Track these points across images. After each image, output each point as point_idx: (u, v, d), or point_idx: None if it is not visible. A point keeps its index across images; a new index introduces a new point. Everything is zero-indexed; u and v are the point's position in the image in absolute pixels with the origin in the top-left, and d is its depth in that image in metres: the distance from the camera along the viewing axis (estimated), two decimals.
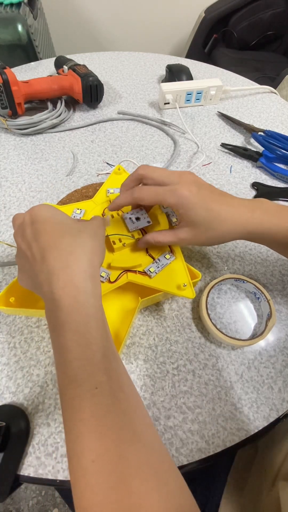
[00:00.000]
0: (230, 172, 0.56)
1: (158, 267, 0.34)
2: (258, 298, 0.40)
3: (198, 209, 0.30)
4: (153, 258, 0.35)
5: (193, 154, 0.59)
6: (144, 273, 0.34)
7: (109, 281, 0.33)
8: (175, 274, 0.34)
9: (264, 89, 0.74)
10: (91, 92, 0.63)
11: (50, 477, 0.29)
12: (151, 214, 0.37)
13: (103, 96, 0.66)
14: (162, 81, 0.74)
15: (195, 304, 0.40)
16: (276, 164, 0.56)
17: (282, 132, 0.62)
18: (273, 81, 1.17)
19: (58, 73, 0.68)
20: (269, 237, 0.32)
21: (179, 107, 0.66)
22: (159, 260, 0.35)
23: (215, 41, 1.45)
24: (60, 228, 0.27)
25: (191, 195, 0.30)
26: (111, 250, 0.35)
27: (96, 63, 0.80)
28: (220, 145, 0.60)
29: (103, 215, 0.39)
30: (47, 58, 0.85)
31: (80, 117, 0.66)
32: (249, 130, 0.63)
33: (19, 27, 1.09)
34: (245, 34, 1.43)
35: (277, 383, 0.35)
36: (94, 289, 0.25)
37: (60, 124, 0.63)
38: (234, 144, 0.59)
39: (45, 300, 0.25)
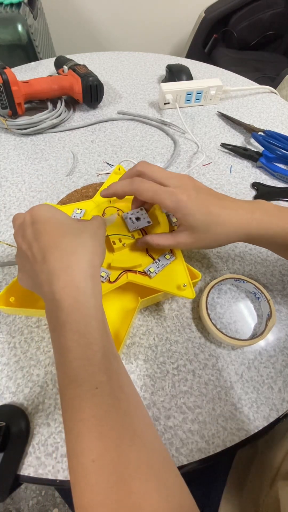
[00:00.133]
0: (230, 172, 0.56)
1: (158, 267, 0.34)
2: (258, 298, 0.40)
3: (196, 214, 0.30)
4: (153, 258, 0.35)
5: (193, 154, 0.59)
6: (144, 273, 0.34)
7: (109, 281, 0.33)
8: (175, 274, 0.34)
9: (264, 89, 0.74)
10: (91, 92, 0.63)
11: (50, 477, 0.29)
12: (151, 214, 0.37)
13: (103, 96, 0.66)
14: (162, 81, 0.74)
15: (195, 304, 0.40)
16: (276, 164, 0.56)
17: (282, 132, 0.62)
18: (273, 81, 1.17)
19: (58, 73, 0.68)
20: (269, 239, 0.32)
21: (179, 107, 0.66)
22: (159, 260, 0.35)
23: (215, 41, 1.45)
24: (61, 228, 0.27)
25: (189, 200, 0.30)
26: (111, 250, 0.35)
27: (96, 63, 0.80)
28: (220, 145, 0.60)
29: (103, 215, 0.39)
30: (47, 58, 0.85)
31: (80, 117, 0.66)
32: (249, 130, 0.63)
33: (19, 27, 1.09)
34: (245, 34, 1.43)
35: (277, 383, 0.35)
36: (94, 289, 0.25)
37: (60, 124, 0.63)
38: (234, 144, 0.59)
39: (46, 300, 0.25)
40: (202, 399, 0.34)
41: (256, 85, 0.75)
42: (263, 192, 0.53)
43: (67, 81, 0.63)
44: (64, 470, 0.30)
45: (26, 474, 0.29)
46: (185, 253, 0.44)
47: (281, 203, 0.52)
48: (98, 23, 1.68)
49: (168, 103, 0.66)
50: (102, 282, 0.33)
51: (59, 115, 0.63)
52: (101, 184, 0.52)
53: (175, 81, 0.69)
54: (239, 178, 0.55)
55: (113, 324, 0.35)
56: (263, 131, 0.61)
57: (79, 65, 0.66)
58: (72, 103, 0.67)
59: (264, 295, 0.38)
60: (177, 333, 0.38)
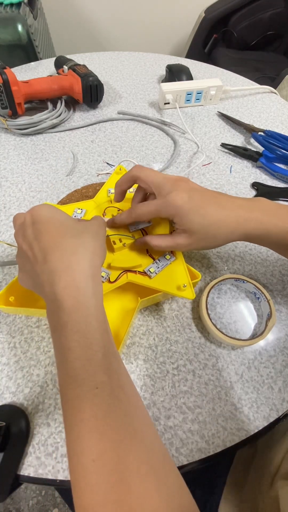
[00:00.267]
0: (230, 172, 0.56)
1: (158, 267, 0.34)
2: (258, 298, 0.40)
3: (192, 216, 0.30)
4: (153, 259, 0.35)
5: (193, 154, 0.59)
6: (144, 273, 0.34)
7: (109, 281, 0.33)
8: (175, 275, 0.34)
9: (264, 89, 0.74)
10: (91, 92, 0.63)
11: (50, 477, 0.29)
12: None
13: (103, 96, 0.66)
14: (162, 81, 0.74)
15: (195, 304, 0.40)
16: (276, 164, 0.56)
17: (282, 132, 0.62)
18: (273, 81, 1.17)
19: (58, 73, 0.68)
20: (268, 238, 0.32)
21: (179, 107, 0.66)
22: (159, 260, 0.35)
23: (215, 41, 1.45)
24: (62, 229, 0.27)
25: (184, 203, 0.30)
26: (111, 250, 0.35)
27: (96, 63, 0.80)
28: (220, 145, 0.60)
29: (103, 215, 0.39)
30: (47, 58, 0.85)
31: (80, 117, 0.66)
32: (249, 130, 0.63)
33: (19, 27, 1.09)
34: (245, 34, 1.43)
35: (277, 383, 0.35)
36: (95, 289, 0.25)
37: (60, 124, 0.63)
38: (234, 144, 0.59)
39: (47, 301, 0.25)
40: (202, 399, 0.34)
41: (256, 85, 0.75)
42: (263, 192, 0.53)
43: (67, 81, 0.63)
44: (64, 470, 0.30)
45: (26, 474, 0.29)
46: (185, 253, 0.44)
47: (281, 203, 0.52)
48: (98, 23, 1.68)
49: (168, 103, 0.66)
50: (102, 282, 0.33)
51: (59, 115, 0.63)
52: (101, 184, 0.52)
53: (175, 81, 0.69)
54: (239, 178, 0.55)
55: (113, 324, 0.35)
56: (263, 131, 0.61)
57: (79, 65, 0.66)
58: (72, 103, 0.67)
59: (264, 295, 0.38)
60: (177, 333, 0.38)
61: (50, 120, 0.61)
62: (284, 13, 1.39)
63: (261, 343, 0.37)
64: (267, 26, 1.42)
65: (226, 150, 0.60)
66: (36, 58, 1.18)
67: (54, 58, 0.73)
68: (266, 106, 0.70)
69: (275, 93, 0.74)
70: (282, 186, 0.54)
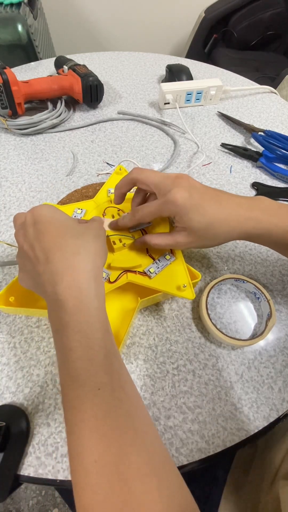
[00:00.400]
0: (230, 172, 0.56)
1: (158, 267, 0.34)
2: (258, 298, 0.40)
3: (192, 214, 0.30)
4: (153, 259, 0.35)
5: (193, 154, 0.59)
6: (144, 273, 0.34)
7: (109, 281, 0.33)
8: (175, 275, 0.34)
9: (264, 89, 0.74)
10: (91, 92, 0.63)
11: (50, 477, 0.29)
12: None
13: (103, 96, 0.66)
14: (162, 81, 0.74)
15: (195, 304, 0.40)
16: (276, 164, 0.56)
17: (282, 132, 0.62)
18: (273, 81, 1.17)
19: (58, 73, 0.68)
20: (268, 237, 0.32)
21: (179, 107, 0.66)
22: (159, 260, 0.35)
23: (215, 41, 1.45)
24: (63, 229, 0.27)
25: (184, 201, 0.29)
26: (111, 250, 0.35)
27: (96, 63, 0.80)
28: (220, 145, 0.60)
29: (103, 215, 0.39)
30: (47, 58, 0.85)
31: (80, 117, 0.66)
32: (249, 130, 0.63)
33: (19, 27, 1.09)
34: (245, 34, 1.43)
35: (277, 383, 0.35)
36: (97, 290, 0.25)
37: (60, 124, 0.63)
38: (234, 144, 0.59)
39: (48, 301, 0.25)
40: (202, 399, 0.34)
41: (256, 85, 0.75)
42: (263, 192, 0.53)
43: (67, 81, 0.63)
44: (64, 470, 0.30)
45: (26, 474, 0.29)
46: (185, 253, 0.44)
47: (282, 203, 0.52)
48: (98, 23, 1.68)
49: (168, 103, 0.66)
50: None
51: (59, 115, 0.63)
52: (101, 184, 0.52)
53: (175, 81, 0.69)
54: (239, 178, 0.55)
55: (113, 324, 0.35)
56: (263, 131, 0.61)
57: (79, 65, 0.66)
58: (72, 103, 0.67)
59: (264, 295, 0.38)
60: (177, 333, 0.38)
61: (50, 120, 0.61)
62: (284, 13, 1.39)
63: (261, 343, 0.37)
64: (267, 26, 1.42)
65: (226, 150, 0.60)
66: (36, 58, 1.18)
67: (54, 58, 0.73)
68: (266, 106, 0.70)
69: (275, 93, 0.74)
70: (282, 186, 0.54)
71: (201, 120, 0.66)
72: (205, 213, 0.30)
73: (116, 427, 0.22)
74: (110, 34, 1.74)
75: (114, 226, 0.36)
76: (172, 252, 0.36)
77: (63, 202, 0.49)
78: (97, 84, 0.63)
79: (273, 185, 0.54)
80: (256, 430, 0.32)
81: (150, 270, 0.34)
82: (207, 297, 0.38)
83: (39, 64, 0.79)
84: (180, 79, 0.70)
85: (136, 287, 0.35)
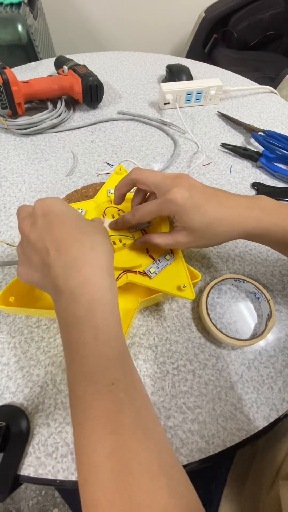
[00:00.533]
0: (230, 172, 0.56)
1: (158, 267, 0.34)
2: (258, 298, 0.40)
3: (191, 213, 0.30)
4: (153, 259, 0.35)
5: (193, 154, 0.59)
6: (144, 273, 0.34)
7: None
8: (175, 275, 0.34)
9: (264, 89, 0.74)
10: (91, 92, 0.63)
11: (50, 477, 0.29)
12: None
13: (103, 96, 0.66)
14: (162, 81, 0.74)
15: (195, 304, 0.40)
16: (276, 164, 0.56)
17: (282, 132, 0.62)
18: (273, 81, 1.17)
19: (58, 73, 0.68)
20: (268, 236, 0.32)
21: (179, 107, 0.66)
22: (159, 260, 0.35)
23: (215, 41, 1.45)
24: (78, 224, 0.26)
25: (184, 201, 0.29)
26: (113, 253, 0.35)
27: (96, 63, 0.80)
28: (220, 145, 0.60)
29: (103, 215, 0.39)
30: (47, 58, 0.85)
31: (80, 117, 0.66)
32: (249, 130, 0.63)
33: (19, 27, 1.09)
34: (245, 34, 1.43)
35: (277, 383, 0.35)
36: (112, 285, 0.25)
37: (60, 124, 0.63)
38: (234, 144, 0.59)
39: (58, 295, 0.24)
40: (202, 399, 0.34)
41: (256, 85, 0.75)
42: (263, 192, 0.53)
43: (67, 81, 0.63)
44: (64, 470, 0.30)
45: (26, 474, 0.29)
46: (185, 253, 0.44)
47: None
48: (98, 23, 1.68)
49: (168, 103, 0.66)
50: None
51: (59, 115, 0.63)
52: (101, 184, 0.52)
53: (175, 81, 0.69)
54: (239, 178, 0.55)
55: None
56: (263, 131, 0.61)
57: (79, 65, 0.66)
58: (72, 103, 0.67)
59: (264, 295, 0.38)
60: (177, 333, 0.38)
61: (50, 120, 0.61)
62: (284, 13, 1.39)
63: (261, 343, 0.37)
64: (267, 26, 1.42)
65: (226, 150, 0.60)
66: (36, 58, 1.18)
67: (54, 58, 0.73)
68: (266, 106, 0.70)
69: (275, 93, 0.74)
70: (282, 186, 0.54)
71: (201, 120, 0.66)
72: (205, 212, 0.30)
73: (128, 424, 0.22)
74: (110, 34, 1.74)
75: (114, 226, 0.36)
76: (172, 252, 0.36)
77: None
78: (97, 84, 0.63)
79: (273, 185, 0.54)
80: (256, 430, 0.32)
81: (150, 270, 0.34)
82: (207, 297, 0.38)
83: (39, 64, 0.79)
84: (180, 79, 0.70)
85: (136, 287, 0.35)
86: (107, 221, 0.37)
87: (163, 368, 0.35)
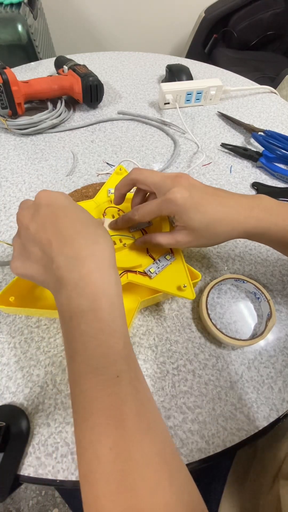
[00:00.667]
0: (230, 172, 0.56)
1: (158, 267, 0.34)
2: (258, 298, 0.40)
3: (192, 213, 0.30)
4: (154, 259, 0.35)
5: (193, 154, 0.59)
6: (144, 273, 0.34)
7: None
8: (175, 275, 0.34)
9: (264, 89, 0.74)
10: (91, 92, 0.63)
11: (50, 477, 0.29)
12: None
13: (103, 96, 0.66)
14: (162, 81, 0.74)
15: (195, 304, 0.40)
16: (276, 164, 0.56)
17: (282, 132, 0.62)
18: (273, 81, 1.17)
19: (58, 73, 0.68)
20: (268, 236, 0.32)
21: (179, 107, 0.66)
22: (159, 260, 0.35)
23: (215, 41, 1.45)
24: (81, 217, 0.26)
25: (183, 200, 0.29)
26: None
27: (96, 63, 0.80)
28: (220, 145, 0.60)
29: (103, 215, 0.39)
30: (47, 58, 0.85)
31: (80, 117, 0.66)
32: (249, 130, 0.63)
33: (19, 27, 1.09)
34: (245, 34, 1.43)
35: (277, 383, 0.35)
36: (116, 278, 0.25)
37: (60, 124, 0.63)
38: (234, 144, 0.59)
39: (61, 287, 0.24)
40: (202, 399, 0.34)
41: (256, 85, 0.75)
42: (263, 192, 0.53)
43: (67, 81, 0.63)
44: (64, 470, 0.30)
45: (26, 474, 0.29)
46: (185, 253, 0.44)
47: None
48: (98, 23, 1.68)
49: (168, 103, 0.66)
50: None
51: (59, 115, 0.63)
52: (101, 184, 0.52)
53: (175, 81, 0.69)
54: (239, 178, 0.55)
55: None
56: (263, 131, 0.61)
57: (79, 65, 0.66)
58: (72, 103, 0.67)
59: (264, 295, 0.38)
60: (177, 333, 0.38)
61: (50, 120, 0.61)
62: (284, 13, 1.39)
63: (261, 343, 0.37)
64: (267, 26, 1.42)
65: (226, 150, 0.60)
66: (36, 58, 1.18)
67: (54, 58, 0.73)
68: (266, 106, 0.70)
69: (275, 93, 0.74)
70: (282, 186, 0.54)
71: (201, 120, 0.66)
72: (205, 212, 0.30)
73: (132, 416, 0.22)
74: (110, 34, 1.74)
75: (114, 226, 0.36)
76: (172, 252, 0.36)
77: None
78: (97, 84, 0.63)
79: (273, 185, 0.54)
80: (256, 430, 0.32)
81: (150, 270, 0.34)
82: (207, 297, 0.38)
83: (39, 64, 0.79)
84: (180, 79, 0.70)
85: (136, 287, 0.35)
86: (107, 221, 0.37)
87: (163, 368, 0.35)
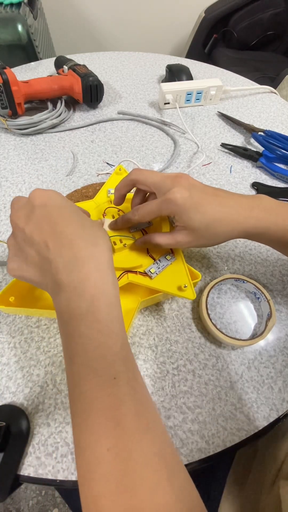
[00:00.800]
0: (230, 172, 0.56)
1: (158, 268, 0.34)
2: (258, 298, 0.40)
3: (191, 213, 0.30)
4: (154, 259, 0.35)
5: (193, 154, 0.59)
6: (144, 274, 0.34)
7: None
8: (175, 275, 0.34)
9: (264, 89, 0.74)
10: (91, 92, 0.63)
11: (50, 477, 0.29)
12: None
13: (103, 96, 0.66)
14: (162, 81, 0.74)
15: (195, 304, 0.40)
16: (276, 164, 0.56)
17: (282, 132, 0.62)
18: (273, 81, 1.17)
19: (58, 73, 0.68)
20: (268, 236, 0.32)
21: (179, 107, 0.66)
22: (159, 261, 0.35)
23: (215, 41, 1.45)
24: (78, 217, 0.26)
25: (183, 200, 0.29)
26: (112, 250, 0.35)
27: (96, 63, 0.80)
28: (220, 145, 0.60)
29: (103, 215, 0.39)
30: (47, 58, 0.85)
31: (80, 117, 0.66)
32: (249, 130, 0.63)
33: (19, 27, 1.09)
34: (245, 34, 1.43)
35: (277, 383, 0.35)
36: (114, 280, 0.25)
37: (60, 124, 0.63)
38: (234, 144, 0.59)
39: (59, 289, 0.24)
40: (202, 399, 0.34)
41: (256, 85, 0.75)
42: (263, 192, 0.53)
43: (67, 81, 0.63)
44: (64, 470, 0.30)
45: (26, 474, 0.29)
46: (185, 253, 0.44)
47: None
48: (98, 23, 1.68)
49: (168, 103, 0.66)
50: None
51: (59, 115, 0.63)
52: (101, 184, 0.52)
53: (175, 81, 0.69)
54: (239, 178, 0.55)
55: None
56: (263, 131, 0.61)
57: (79, 65, 0.66)
58: (72, 103, 0.67)
59: (264, 295, 0.38)
60: (177, 333, 0.38)
61: (50, 120, 0.61)
62: (284, 13, 1.39)
63: (261, 343, 0.37)
64: (267, 26, 1.42)
65: (226, 150, 0.60)
66: (36, 58, 1.18)
67: (54, 58, 0.73)
68: (266, 106, 0.70)
69: (275, 93, 0.74)
70: (282, 186, 0.54)
71: (201, 120, 0.66)
72: (205, 212, 0.30)
73: (130, 416, 0.22)
74: (110, 34, 1.74)
75: (114, 226, 0.36)
76: (172, 252, 0.36)
77: None
78: (97, 84, 0.63)
79: (273, 185, 0.54)
80: (256, 430, 0.32)
81: (150, 270, 0.34)
82: (207, 297, 0.38)
83: (39, 64, 0.79)
84: (180, 79, 0.70)
85: (136, 287, 0.35)
86: (107, 221, 0.37)
87: (163, 368, 0.35)
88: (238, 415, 0.33)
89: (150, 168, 0.56)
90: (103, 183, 0.50)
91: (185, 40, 1.62)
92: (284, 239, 0.32)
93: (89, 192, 0.50)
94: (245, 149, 0.58)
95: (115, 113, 0.66)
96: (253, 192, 0.53)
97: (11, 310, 0.35)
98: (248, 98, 0.73)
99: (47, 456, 0.30)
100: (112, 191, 0.42)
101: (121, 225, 0.35)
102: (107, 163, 0.56)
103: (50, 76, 0.66)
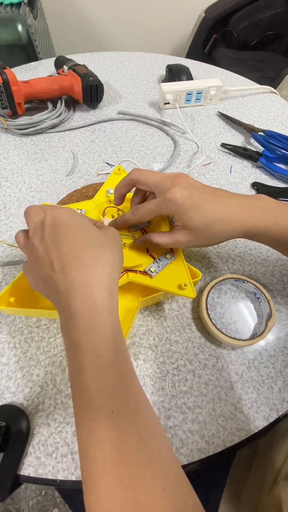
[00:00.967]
0: (230, 172, 0.56)
1: (158, 266, 0.34)
2: (258, 298, 0.40)
3: (191, 213, 0.30)
4: (154, 258, 0.35)
5: (193, 154, 0.59)
6: (144, 273, 0.34)
7: None
8: (175, 274, 0.34)
9: (264, 89, 0.74)
10: (91, 92, 0.63)
11: (50, 477, 0.29)
12: None
13: (103, 96, 0.66)
14: (162, 81, 0.74)
15: (195, 304, 0.40)
16: (276, 164, 0.56)
17: (282, 132, 0.62)
18: (273, 81, 1.17)
19: (58, 73, 0.68)
20: (268, 236, 0.32)
21: (179, 107, 0.66)
22: (159, 260, 0.35)
23: (215, 41, 1.45)
24: (83, 238, 0.26)
25: (183, 200, 0.29)
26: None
27: (96, 63, 0.80)
28: (220, 145, 0.60)
29: (103, 215, 0.39)
30: (47, 58, 0.85)
31: (80, 117, 0.66)
32: (249, 130, 0.63)
33: (19, 27, 1.09)
34: (245, 34, 1.43)
35: (277, 383, 0.35)
36: (111, 305, 0.25)
37: (60, 124, 0.63)
38: (234, 144, 0.59)
39: (60, 314, 0.25)
40: (202, 399, 0.34)
41: (256, 85, 0.75)
42: (263, 192, 0.53)
43: (67, 81, 0.63)
44: (64, 470, 0.30)
45: (26, 474, 0.29)
46: (185, 252, 0.44)
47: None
48: (98, 23, 1.68)
49: (168, 103, 0.66)
50: None
51: (59, 115, 0.63)
52: (101, 184, 0.52)
53: (175, 81, 0.69)
54: (239, 178, 0.55)
55: None
56: (263, 131, 0.61)
57: (79, 65, 0.66)
58: (72, 103, 0.67)
59: (264, 295, 0.38)
60: (177, 333, 0.38)
61: (50, 120, 0.61)
62: (284, 13, 1.39)
63: (261, 343, 0.37)
64: (267, 26, 1.42)
65: (226, 150, 0.60)
66: (36, 58, 1.18)
67: (54, 58, 0.73)
68: (266, 106, 0.70)
69: (275, 93, 0.74)
70: (282, 186, 0.54)
71: (201, 120, 0.66)
72: (205, 212, 0.30)
73: (130, 451, 0.21)
74: (110, 34, 1.74)
75: (113, 226, 0.36)
76: (172, 251, 0.36)
77: (63, 202, 0.49)
78: (97, 84, 0.63)
79: (273, 185, 0.54)
80: (256, 430, 0.32)
81: (151, 269, 0.34)
82: (207, 297, 0.38)
83: (39, 64, 0.79)
84: (180, 79, 0.70)
85: (136, 286, 0.35)
86: (106, 221, 0.37)
87: (163, 368, 0.35)
88: (238, 415, 0.33)
89: (150, 168, 0.56)
90: (103, 183, 0.50)
91: (185, 40, 1.62)
92: (284, 239, 0.32)
93: (89, 192, 0.50)
94: (245, 149, 0.58)
95: (115, 113, 0.66)
96: (253, 192, 0.53)
97: (12, 310, 0.35)
98: (248, 98, 0.73)
99: (47, 456, 0.30)
100: (112, 191, 0.42)
101: (121, 224, 0.35)
102: (107, 163, 0.56)
103: (50, 76, 0.66)
